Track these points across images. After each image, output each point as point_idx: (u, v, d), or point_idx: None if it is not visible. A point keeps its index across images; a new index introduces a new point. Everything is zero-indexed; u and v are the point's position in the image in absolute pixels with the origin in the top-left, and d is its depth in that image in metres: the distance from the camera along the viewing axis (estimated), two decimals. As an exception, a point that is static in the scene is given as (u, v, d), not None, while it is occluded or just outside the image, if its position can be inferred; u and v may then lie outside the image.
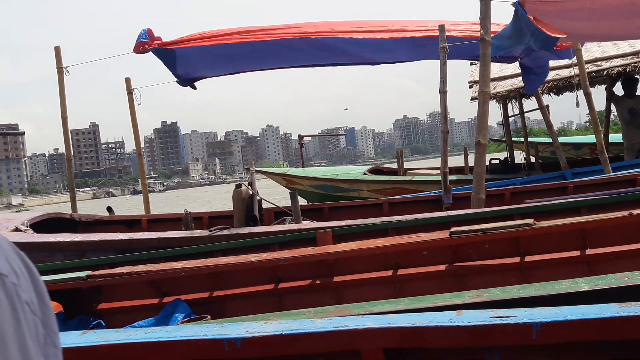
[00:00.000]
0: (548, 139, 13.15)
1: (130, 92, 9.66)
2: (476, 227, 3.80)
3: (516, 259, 3.75)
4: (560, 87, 11.89)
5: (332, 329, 1.75)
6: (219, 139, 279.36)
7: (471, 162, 7.79)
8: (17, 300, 0.59)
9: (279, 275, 3.95)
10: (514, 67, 11.12)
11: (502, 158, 12.06)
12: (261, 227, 5.97)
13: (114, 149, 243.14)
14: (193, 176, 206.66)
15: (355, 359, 1.81)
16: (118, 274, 4.06)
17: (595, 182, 7.19)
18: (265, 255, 3.98)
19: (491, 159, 11.78)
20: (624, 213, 3.69)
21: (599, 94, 12.65)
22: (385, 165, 15.65)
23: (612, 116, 12.12)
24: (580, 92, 8.64)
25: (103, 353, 1.89)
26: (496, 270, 3.71)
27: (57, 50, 9.04)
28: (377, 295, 3.69)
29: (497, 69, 11.38)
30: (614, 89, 11.02)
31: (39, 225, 6.61)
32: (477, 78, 8.64)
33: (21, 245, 5.24)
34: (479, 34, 6.09)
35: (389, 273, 3.84)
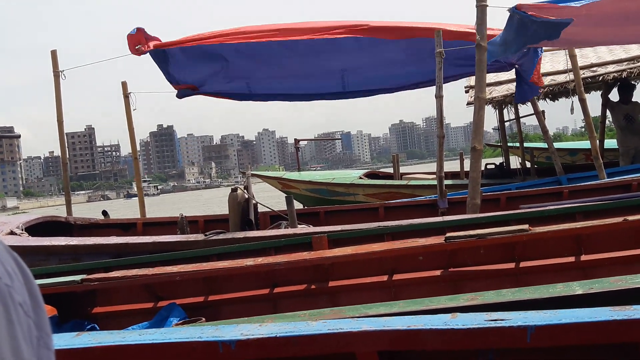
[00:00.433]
0: (543, 145, 13.19)
1: (126, 96, 9.66)
2: (472, 232, 3.80)
3: (511, 265, 3.75)
4: (556, 92, 11.93)
5: (327, 332, 1.75)
6: (215, 143, 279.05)
7: (467, 167, 7.81)
8: (10, 302, 0.59)
9: (275, 279, 3.94)
10: (510, 73, 11.16)
11: (497, 163, 12.09)
12: (257, 231, 5.96)
13: (109, 152, 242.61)
14: (189, 180, 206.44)
15: None
16: (113, 278, 4.05)
17: (590, 187, 7.22)
18: (260, 260, 3.98)
19: (487, 164, 11.81)
20: (619, 219, 3.70)
21: (594, 99, 12.70)
22: (381, 170, 15.66)
23: (607, 122, 12.17)
24: (575, 98, 8.68)
25: (97, 355, 1.89)
26: (491, 275, 3.72)
27: (54, 54, 9.04)
28: (372, 300, 3.69)
29: (493, 74, 11.41)
30: (609, 95, 11.06)
31: (34, 229, 6.58)
32: (473, 83, 8.68)
33: (16, 249, 5.21)
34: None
35: (385, 278, 3.84)
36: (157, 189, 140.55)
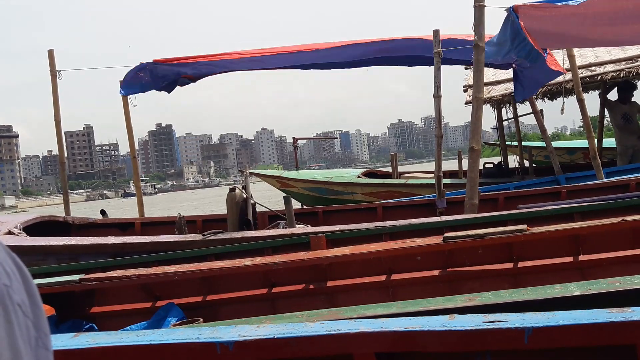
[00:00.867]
0: (542, 144, 13.19)
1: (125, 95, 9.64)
2: (469, 232, 3.80)
3: (509, 265, 3.75)
4: (554, 92, 11.93)
5: (325, 333, 1.75)
6: (213, 142, 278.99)
7: (465, 167, 7.81)
8: (8, 302, 0.59)
9: (273, 279, 3.94)
10: (509, 72, 11.16)
11: (496, 162, 12.09)
12: (255, 231, 5.96)
13: (108, 151, 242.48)
14: (187, 179, 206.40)
15: None
16: (111, 278, 4.05)
17: (588, 187, 7.22)
18: (258, 260, 3.98)
19: (485, 163, 11.82)
20: (617, 219, 3.70)
21: (593, 99, 12.71)
22: (380, 169, 15.66)
23: (605, 121, 12.17)
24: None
25: (94, 356, 1.89)
26: (489, 275, 3.72)
27: (51, 53, 9.03)
28: (370, 300, 3.69)
29: (491, 73, 11.42)
30: (607, 94, 11.06)
31: (32, 228, 6.58)
32: (471, 82, 8.67)
33: (14, 249, 5.21)
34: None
35: (383, 278, 3.84)
36: (154, 188, 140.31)
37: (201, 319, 3.21)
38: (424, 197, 7.83)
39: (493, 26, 6.66)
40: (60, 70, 8.98)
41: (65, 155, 9.53)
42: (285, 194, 7.88)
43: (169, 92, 8.96)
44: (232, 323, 2.34)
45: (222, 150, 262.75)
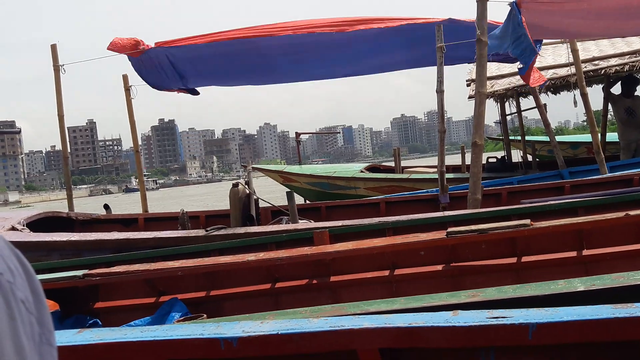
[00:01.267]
0: (545, 138, 13.16)
1: (127, 89, 9.65)
2: (473, 227, 3.80)
3: (513, 260, 3.75)
4: (558, 86, 11.91)
5: (329, 329, 1.75)
6: (216, 137, 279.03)
7: (468, 161, 7.80)
8: (12, 299, 0.59)
9: (276, 274, 3.95)
10: (512, 66, 11.14)
11: (499, 156, 12.08)
12: (258, 227, 5.96)
13: (111, 146, 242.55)
14: (190, 174, 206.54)
15: (351, 358, 1.81)
16: (115, 273, 4.05)
17: (592, 181, 7.21)
18: (262, 255, 3.98)
19: (488, 158, 11.80)
20: (621, 214, 3.69)
21: (596, 93, 12.67)
22: (383, 164, 15.65)
23: (609, 115, 12.14)
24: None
25: (99, 352, 1.89)
26: (493, 270, 3.72)
27: (54, 48, 9.03)
28: (373, 295, 3.69)
29: (494, 67, 11.39)
30: (612, 89, 11.03)
31: (35, 224, 6.59)
32: (474, 77, 8.65)
33: (17, 245, 5.24)
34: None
35: (386, 273, 3.84)
36: (156, 184, 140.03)
37: (205, 315, 3.21)
38: (427, 192, 7.82)
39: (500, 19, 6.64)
40: (63, 65, 8.98)
41: (69, 150, 9.54)
42: (288, 189, 7.87)
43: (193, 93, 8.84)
44: (235, 319, 2.35)
45: (225, 145, 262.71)
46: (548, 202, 5.51)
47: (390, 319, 1.76)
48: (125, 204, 35.82)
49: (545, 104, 10.38)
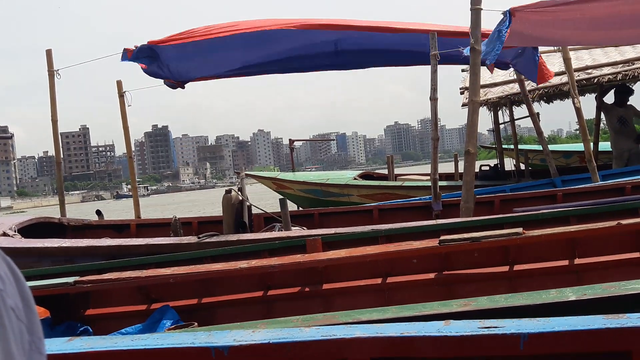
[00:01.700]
0: (538, 147, 13.21)
1: (121, 95, 9.64)
2: (465, 235, 3.81)
3: (505, 268, 3.75)
4: (551, 94, 11.96)
5: (320, 338, 1.74)
6: (209, 143, 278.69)
7: (461, 169, 7.82)
8: (2, 306, 0.59)
9: (269, 282, 3.94)
10: (505, 74, 11.19)
11: (492, 165, 12.10)
12: (250, 234, 5.95)
13: (104, 152, 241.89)
14: (183, 180, 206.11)
15: None
16: (106, 280, 4.03)
17: (584, 190, 7.23)
18: (254, 262, 3.97)
19: (481, 166, 11.84)
20: (613, 223, 3.71)
21: (589, 102, 12.72)
22: (376, 171, 15.67)
23: (601, 125, 12.19)
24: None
25: (89, 360, 1.88)
26: (485, 278, 3.72)
27: (49, 53, 9.02)
28: (366, 302, 3.69)
29: (488, 75, 11.43)
30: (605, 98, 11.08)
31: (27, 230, 6.56)
32: (468, 85, 8.68)
33: (8, 251, 5.21)
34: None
35: (379, 281, 3.84)
36: (147, 190, 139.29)
37: (196, 323, 3.20)
38: (420, 200, 7.83)
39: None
40: (57, 70, 8.96)
41: (61, 156, 9.51)
42: (281, 196, 7.87)
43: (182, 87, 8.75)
44: (227, 328, 2.34)
45: (219, 152, 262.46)
46: (540, 211, 5.52)
47: (382, 328, 1.75)
48: (118, 211, 35.67)
49: (538, 113, 10.41)
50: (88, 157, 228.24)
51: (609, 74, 10.64)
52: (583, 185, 7.64)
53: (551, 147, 12.98)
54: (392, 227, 5.20)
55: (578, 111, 8.56)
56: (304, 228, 6.30)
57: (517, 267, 3.74)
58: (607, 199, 6.20)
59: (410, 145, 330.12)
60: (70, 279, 4.02)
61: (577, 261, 3.70)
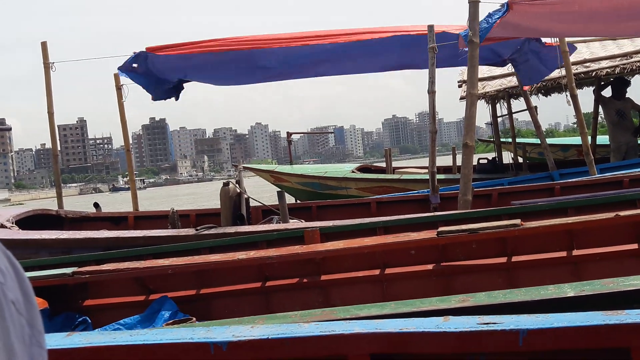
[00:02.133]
0: (536, 140, 13.21)
1: (119, 88, 9.61)
2: (463, 227, 3.81)
3: (503, 259, 3.76)
4: (549, 88, 11.96)
5: (319, 334, 1.74)
6: (207, 136, 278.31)
7: (459, 162, 7.81)
8: (2, 299, 0.59)
9: (267, 273, 3.94)
10: (503, 68, 11.18)
11: (490, 158, 12.11)
12: (248, 226, 5.95)
13: (101, 145, 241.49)
14: (181, 173, 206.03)
15: None
16: (104, 271, 4.03)
17: (582, 183, 7.23)
18: (252, 253, 3.98)
19: (479, 159, 11.84)
20: (611, 214, 3.71)
21: (587, 95, 12.72)
22: (374, 164, 15.67)
23: (599, 118, 12.19)
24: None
25: (87, 355, 1.88)
26: (483, 270, 3.72)
27: (44, 45, 8.99)
28: (364, 293, 3.70)
29: (486, 68, 11.42)
30: (602, 91, 11.08)
31: (24, 222, 6.56)
32: (466, 78, 8.67)
33: (6, 242, 5.19)
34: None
35: (377, 272, 3.84)
36: (144, 183, 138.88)
37: (194, 319, 3.20)
38: (418, 193, 7.83)
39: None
40: (53, 62, 8.94)
41: (59, 148, 9.50)
42: (279, 189, 7.86)
43: (176, 98, 8.83)
44: (226, 323, 2.34)
45: (216, 145, 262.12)
46: (538, 203, 5.52)
47: (381, 324, 1.75)
48: (115, 203, 35.66)
49: (536, 106, 10.40)
50: (85, 149, 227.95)
51: (606, 67, 10.64)
52: (581, 179, 7.64)
53: (549, 140, 12.97)
54: (390, 218, 5.20)
55: (574, 98, 8.54)
56: (302, 220, 6.30)
57: (515, 259, 3.74)
58: (605, 192, 6.20)
59: (408, 139, 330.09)
60: (69, 270, 4.02)
61: (575, 252, 3.71)
